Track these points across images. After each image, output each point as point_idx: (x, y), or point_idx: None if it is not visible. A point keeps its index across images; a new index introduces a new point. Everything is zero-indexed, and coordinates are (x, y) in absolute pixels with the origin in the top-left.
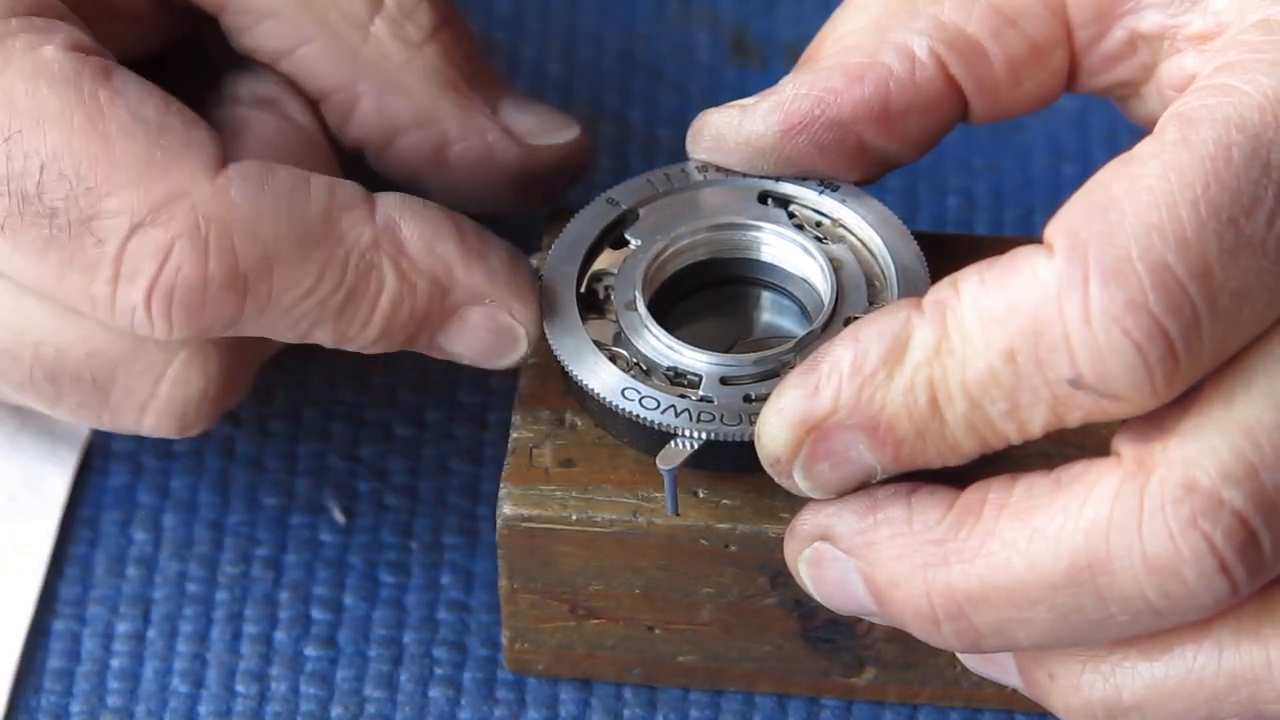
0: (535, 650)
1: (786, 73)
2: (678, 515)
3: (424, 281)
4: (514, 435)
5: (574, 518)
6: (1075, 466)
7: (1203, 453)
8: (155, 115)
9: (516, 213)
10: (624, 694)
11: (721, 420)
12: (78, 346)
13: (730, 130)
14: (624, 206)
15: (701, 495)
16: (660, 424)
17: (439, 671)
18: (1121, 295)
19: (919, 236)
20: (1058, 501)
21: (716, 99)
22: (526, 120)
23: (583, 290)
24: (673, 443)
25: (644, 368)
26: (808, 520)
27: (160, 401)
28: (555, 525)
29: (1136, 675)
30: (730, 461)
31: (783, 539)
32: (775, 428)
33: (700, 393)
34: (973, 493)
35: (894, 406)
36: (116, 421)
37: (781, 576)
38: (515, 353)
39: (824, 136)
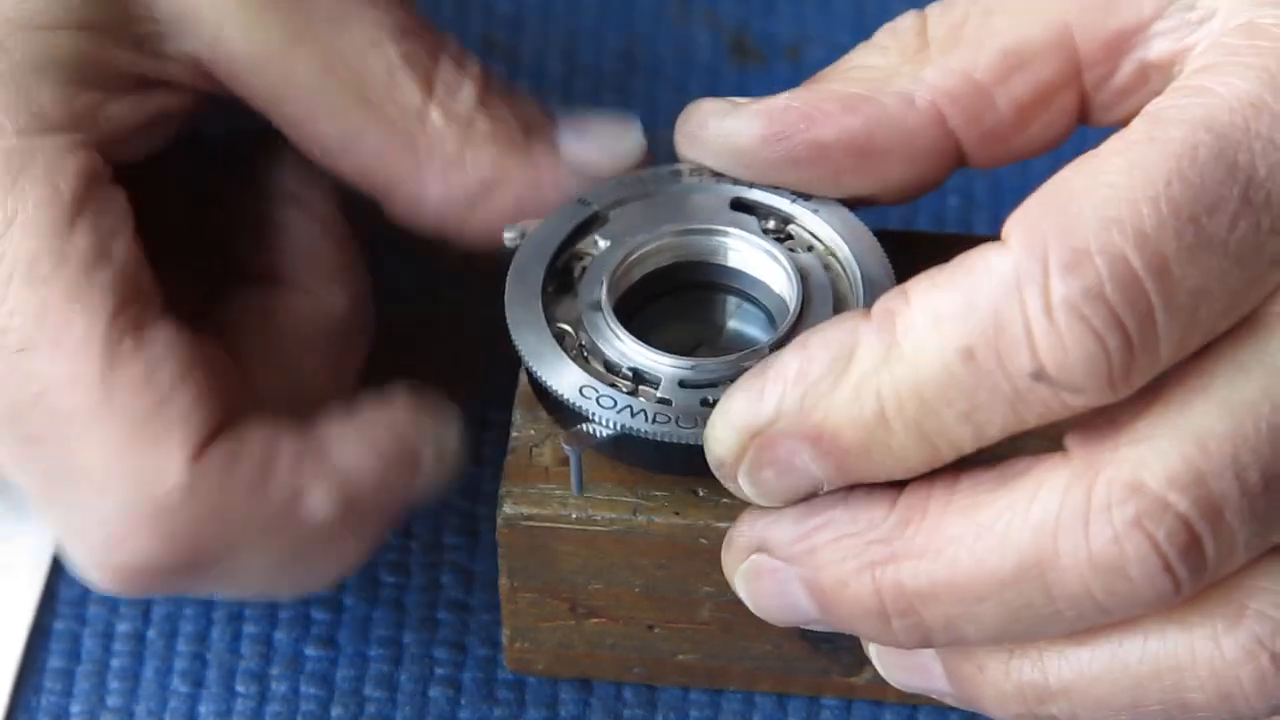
0: (535, 649)
1: (787, 73)
2: (582, 495)
3: (383, 522)
4: (514, 435)
5: (574, 516)
6: (1020, 462)
7: (1152, 455)
8: (167, 382)
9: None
10: (624, 693)
11: (677, 423)
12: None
13: (714, 121)
14: (595, 208)
15: (702, 494)
16: (619, 424)
17: (439, 671)
18: (1079, 285)
19: (917, 237)
20: (1004, 498)
21: None
22: (588, 148)
23: (557, 268)
24: (584, 425)
25: (605, 368)
26: (744, 532)
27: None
28: (555, 524)
29: (1063, 660)
30: (657, 461)
31: None
32: (720, 431)
33: (659, 394)
34: (916, 489)
35: (838, 416)
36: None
37: None
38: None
39: (800, 153)
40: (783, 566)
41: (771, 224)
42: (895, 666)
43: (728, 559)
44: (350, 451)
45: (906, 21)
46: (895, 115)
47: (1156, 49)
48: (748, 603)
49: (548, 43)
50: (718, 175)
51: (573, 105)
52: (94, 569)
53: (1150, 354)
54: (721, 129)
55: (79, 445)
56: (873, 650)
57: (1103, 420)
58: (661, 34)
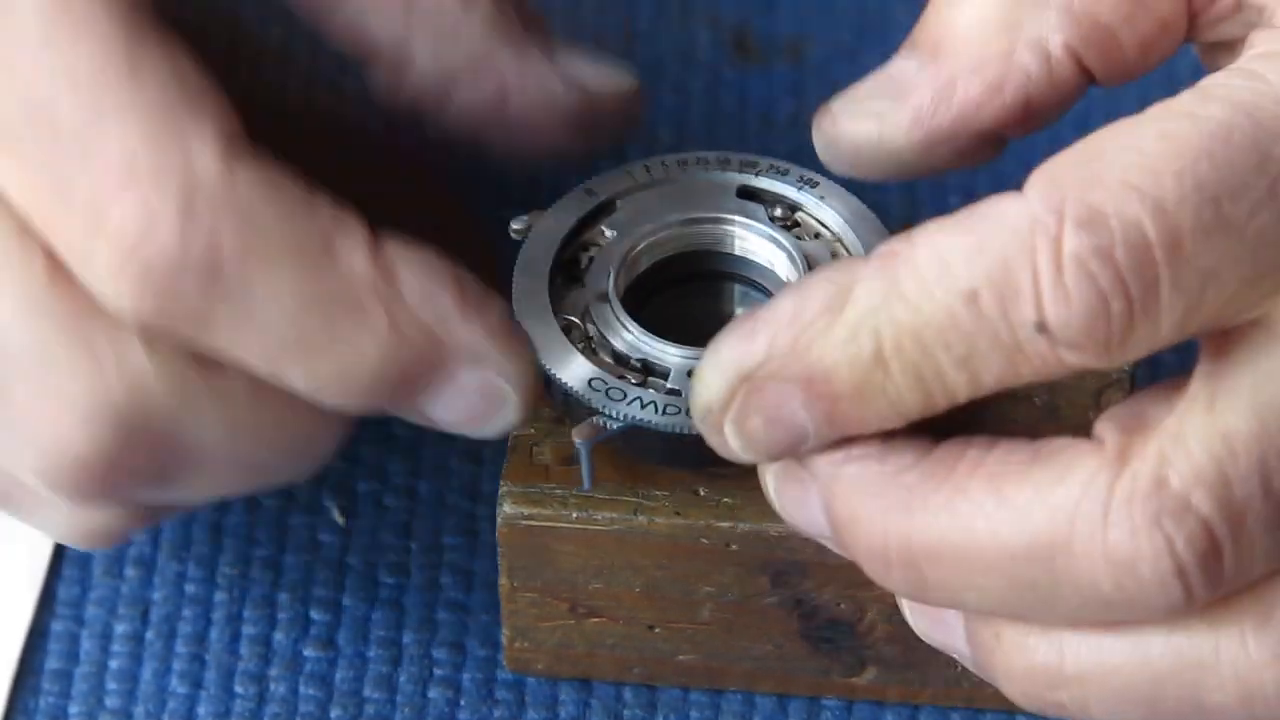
0: (535, 649)
1: (786, 73)
2: (591, 491)
3: (418, 334)
4: (514, 434)
5: (574, 516)
6: (1056, 441)
7: (1178, 453)
8: (195, 83)
9: (576, 159)
10: (624, 694)
11: (687, 414)
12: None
13: (869, 147)
14: (602, 197)
15: (702, 494)
16: (629, 416)
17: (438, 672)
18: (1091, 242)
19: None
20: (1032, 474)
21: (716, 99)
22: (583, 66)
23: (564, 259)
24: (594, 419)
25: (613, 359)
26: None
27: (38, 432)
28: (555, 524)
29: (1083, 644)
30: (668, 453)
31: (784, 539)
32: (709, 374)
33: (669, 385)
34: (951, 445)
35: (833, 356)
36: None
37: (782, 576)
38: (502, 421)
39: (966, 145)
40: (809, 479)
41: (779, 211)
42: (920, 614)
43: None
44: (396, 240)
45: None
46: (1039, 73)
47: None
48: (772, 500)
49: None
50: (724, 163)
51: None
52: (113, 270)
53: (1151, 324)
54: (881, 153)
55: (106, 135)
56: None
57: (1128, 413)
58: (661, 34)
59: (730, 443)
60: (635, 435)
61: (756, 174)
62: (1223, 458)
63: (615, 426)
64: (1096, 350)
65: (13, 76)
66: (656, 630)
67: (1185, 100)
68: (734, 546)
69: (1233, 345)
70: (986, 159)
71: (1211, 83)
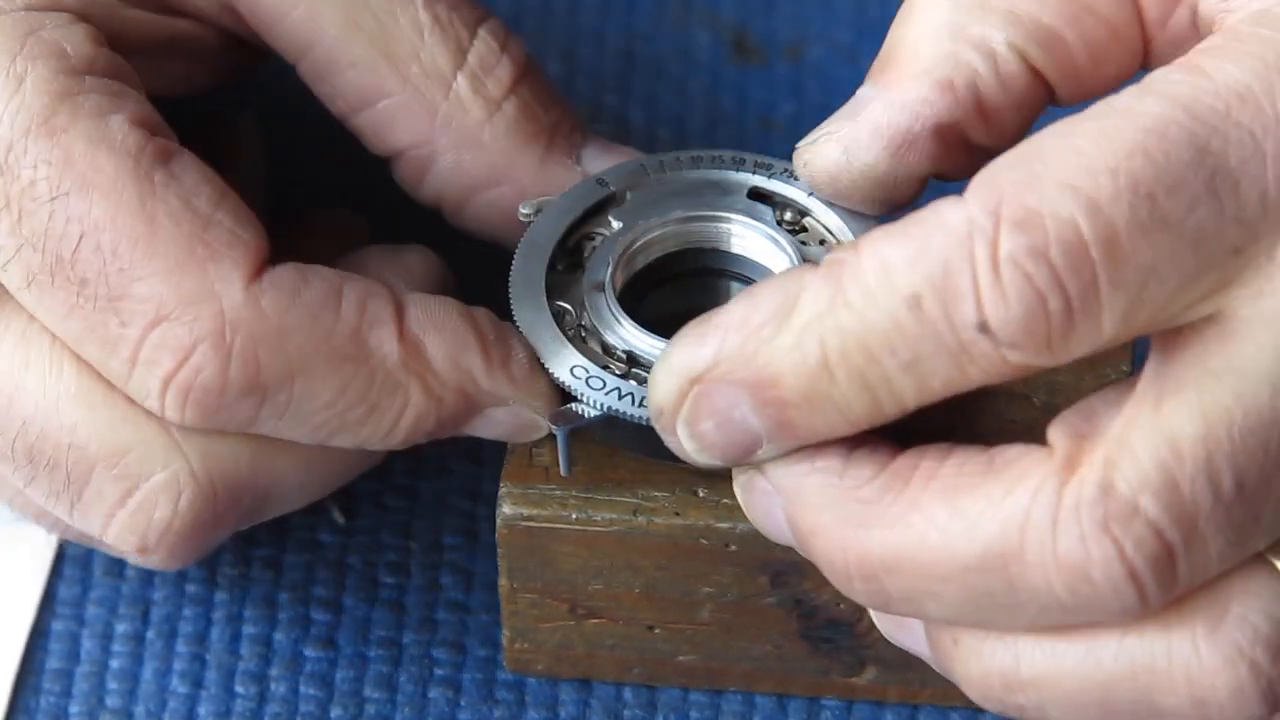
0: (535, 650)
1: (786, 73)
2: (570, 476)
3: (450, 395)
4: None
5: (574, 517)
6: (1010, 450)
7: (1125, 457)
8: (206, 208)
9: None
10: (624, 694)
11: None
12: (62, 435)
13: (842, 171)
14: (612, 188)
15: (702, 494)
16: (606, 406)
17: (439, 672)
18: (1025, 241)
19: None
20: (984, 485)
21: (717, 99)
22: (607, 164)
23: (569, 246)
24: (571, 406)
25: (601, 349)
26: None
27: (126, 514)
28: (555, 525)
29: (1038, 649)
30: (647, 446)
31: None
32: (660, 376)
33: (648, 401)
34: (907, 458)
35: (779, 362)
36: (84, 521)
37: (781, 576)
38: (533, 435)
39: (932, 147)
40: (771, 491)
41: (788, 215)
42: (885, 619)
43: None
44: (420, 307)
45: None
46: (986, 71)
47: (1205, 3)
48: (743, 507)
49: (547, 43)
50: (738, 162)
51: (573, 105)
52: (162, 397)
53: (1091, 321)
54: (854, 174)
55: (131, 279)
56: None
57: (1079, 417)
58: (661, 34)
59: (684, 444)
60: (614, 426)
61: (770, 176)
62: (1168, 461)
63: (592, 414)
64: (1037, 348)
65: (32, 226)
66: (656, 631)
67: (1125, 97)
68: (733, 547)
69: (1182, 343)
70: (964, 165)
71: (1153, 78)
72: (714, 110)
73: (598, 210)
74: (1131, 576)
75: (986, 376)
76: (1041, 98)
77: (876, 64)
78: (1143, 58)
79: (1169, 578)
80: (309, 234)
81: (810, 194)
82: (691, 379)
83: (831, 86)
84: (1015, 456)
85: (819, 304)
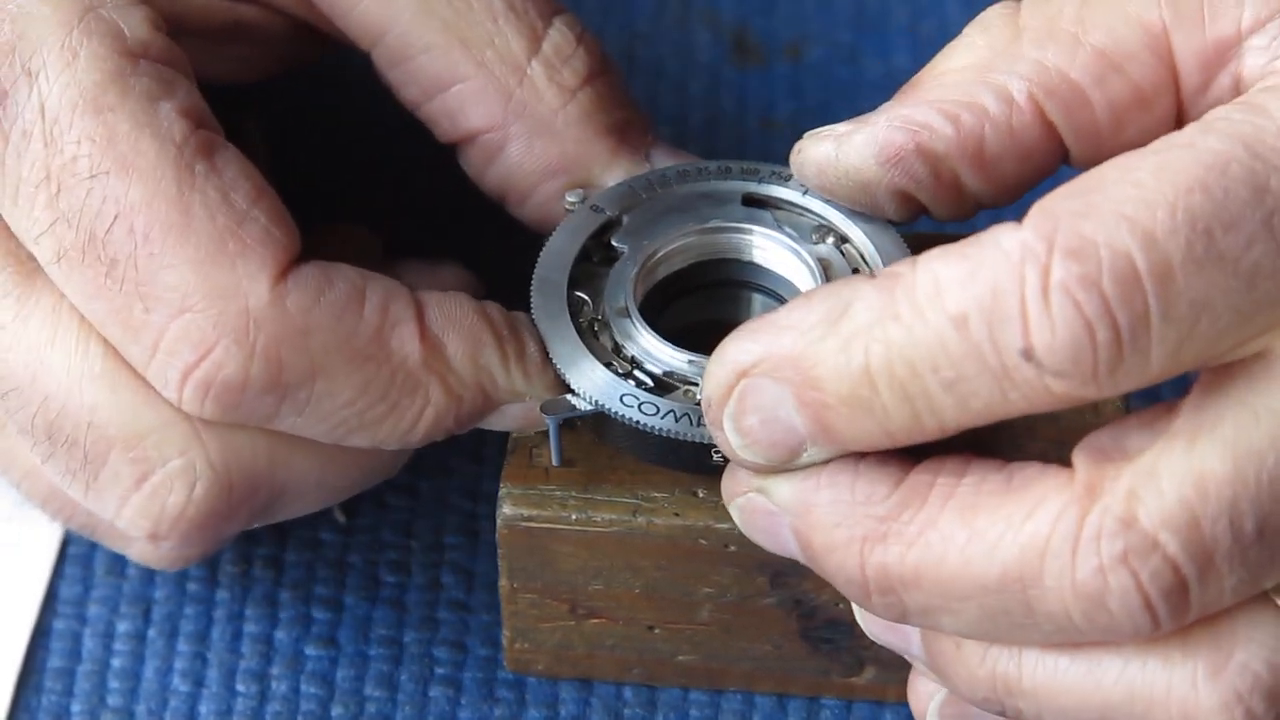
0: (535, 650)
1: (787, 72)
2: (561, 465)
3: (469, 393)
4: (514, 435)
5: (574, 517)
6: (1029, 469)
7: (1150, 491)
8: (243, 203)
9: None
10: (624, 694)
11: (641, 409)
12: (82, 414)
13: (829, 164)
14: (608, 213)
15: (701, 495)
16: (661, 429)
17: (439, 671)
18: (1078, 270)
19: (919, 237)
20: (1003, 507)
21: (717, 99)
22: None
23: (575, 276)
24: (564, 397)
25: (639, 373)
26: (749, 470)
27: (141, 497)
28: (555, 525)
29: (1040, 661)
30: (633, 445)
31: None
32: (712, 368)
33: (651, 382)
34: (922, 472)
35: (824, 365)
36: (98, 502)
37: (781, 576)
38: (541, 426)
39: (919, 170)
40: (778, 512)
41: (784, 217)
42: (871, 619)
43: (727, 486)
44: (438, 307)
45: (996, 12)
46: (998, 115)
47: (1249, 64)
48: (740, 527)
49: None
50: (724, 171)
51: None
52: (180, 388)
53: (1140, 355)
54: (840, 170)
55: (160, 265)
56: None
57: (1110, 440)
58: (662, 33)
59: (730, 439)
60: (605, 423)
61: (759, 180)
62: (1193, 500)
63: (584, 408)
64: (1083, 379)
65: (69, 202)
66: (656, 631)
67: (1187, 132)
68: (733, 547)
69: (1227, 380)
70: (950, 204)
71: (1214, 115)
72: (714, 110)
73: (598, 236)
74: (1146, 607)
75: (1029, 404)
76: (1052, 156)
77: (903, 87)
78: (1174, 125)
79: (1182, 608)
80: (322, 249)
81: (805, 193)
82: (739, 372)
83: (831, 86)
84: (1035, 476)
85: (870, 313)
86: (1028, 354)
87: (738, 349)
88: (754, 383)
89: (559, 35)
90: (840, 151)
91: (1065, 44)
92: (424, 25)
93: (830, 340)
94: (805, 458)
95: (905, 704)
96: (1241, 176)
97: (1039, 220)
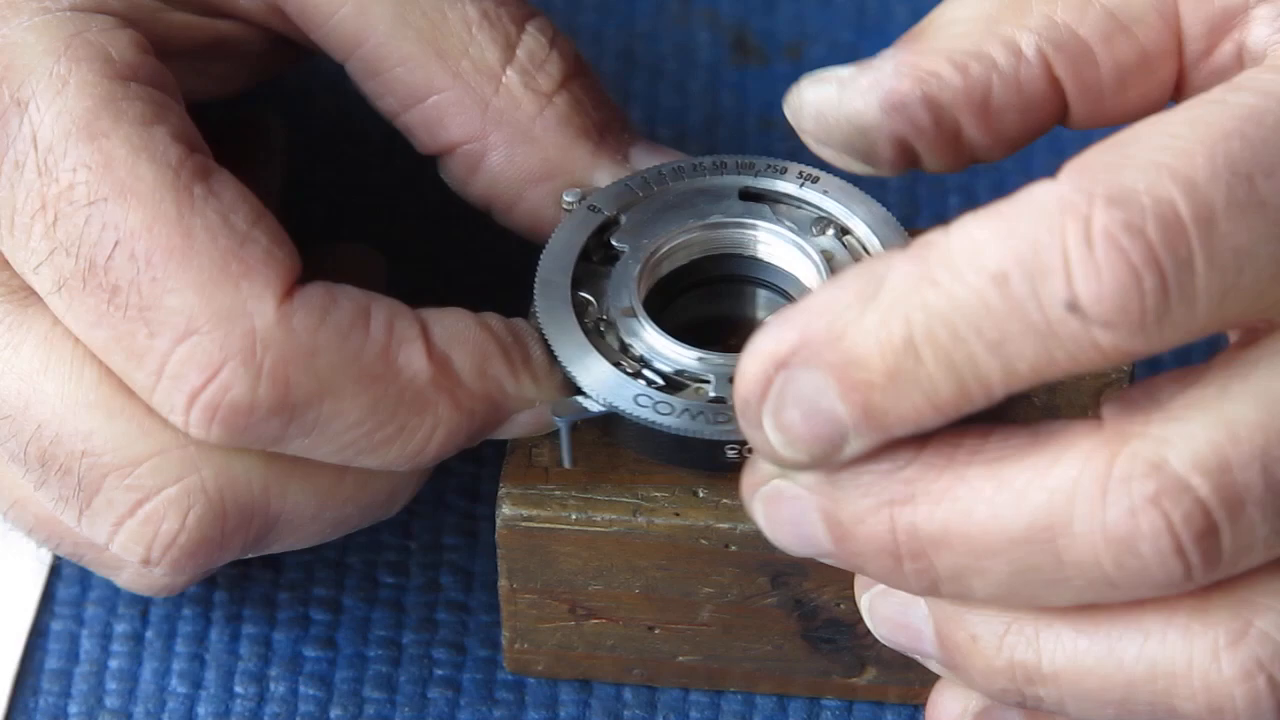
0: (535, 650)
1: (786, 72)
2: (571, 467)
3: (480, 406)
4: None
5: (573, 518)
6: (1054, 424)
7: (1181, 435)
8: (243, 225)
9: None
10: (624, 694)
11: (673, 411)
12: (76, 442)
13: (831, 108)
14: (606, 213)
15: (701, 495)
16: (676, 428)
17: (439, 672)
18: (1121, 217)
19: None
20: (1029, 457)
21: (717, 98)
22: (656, 163)
23: (577, 276)
24: (575, 398)
25: (648, 372)
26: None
27: (134, 524)
28: (555, 525)
29: (1060, 644)
30: (645, 446)
31: None
32: (746, 362)
33: (712, 393)
34: (946, 436)
35: (864, 343)
36: (91, 528)
37: (782, 576)
38: (551, 429)
39: (922, 118)
40: (804, 495)
41: (783, 210)
42: (885, 622)
43: (748, 480)
44: (441, 323)
45: None
46: (1006, 67)
47: (1255, 33)
48: (762, 527)
49: None
50: (719, 167)
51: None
52: (187, 412)
53: (1187, 304)
54: (840, 114)
55: (164, 290)
56: (864, 603)
57: (1141, 392)
58: (662, 33)
59: (770, 438)
60: (613, 423)
61: (756, 175)
62: (1224, 443)
63: (595, 409)
64: (1130, 330)
65: (67, 230)
66: (656, 631)
67: (1215, 92)
68: (733, 547)
69: (1264, 335)
70: (947, 156)
71: (1242, 77)
72: (714, 110)
73: (597, 235)
74: (1179, 551)
75: (1074, 362)
76: (1053, 113)
77: (907, 34)
78: (1173, 91)
79: (1213, 556)
80: (326, 268)
81: (801, 185)
82: (776, 363)
83: None
84: (1060, 429)
85: (906, 283)
86: (1073, 305)
87: (772, 339)
88: (792, 374)
89: (532, 40)
90: (843, 95)
91: (1075, 1)
92: (400, 37)
93: (869, 315)
94: (848, 451)
95: (906, 705)
96: (1276, 124)
97: (1075, 174)
